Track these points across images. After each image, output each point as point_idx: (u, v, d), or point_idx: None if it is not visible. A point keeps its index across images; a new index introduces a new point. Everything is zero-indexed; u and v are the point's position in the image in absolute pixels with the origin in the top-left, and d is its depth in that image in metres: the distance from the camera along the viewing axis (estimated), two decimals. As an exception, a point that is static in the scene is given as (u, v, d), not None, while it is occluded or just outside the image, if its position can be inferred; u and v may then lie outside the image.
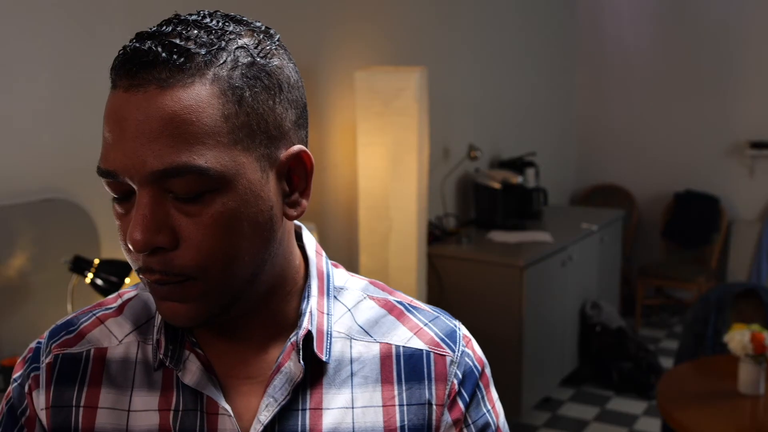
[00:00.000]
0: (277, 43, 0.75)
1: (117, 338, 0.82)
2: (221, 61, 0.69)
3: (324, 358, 0.78)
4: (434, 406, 0.80)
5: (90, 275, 2.29)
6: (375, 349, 0.81)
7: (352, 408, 0.78)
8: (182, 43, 0.68)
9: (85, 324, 0.84)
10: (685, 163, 5.53)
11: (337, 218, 3.60)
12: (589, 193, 5.82)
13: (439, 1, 4.26)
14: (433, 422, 0.80)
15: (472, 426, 0.82)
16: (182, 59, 0.68)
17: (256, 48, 0.72)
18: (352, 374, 0.79)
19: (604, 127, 5.85)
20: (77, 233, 2.46)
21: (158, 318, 0.79)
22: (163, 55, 0.67)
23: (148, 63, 0.67)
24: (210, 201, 0.69)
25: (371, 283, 0.88)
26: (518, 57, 5.06)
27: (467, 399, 0.82)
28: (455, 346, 0.83)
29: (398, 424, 0.79)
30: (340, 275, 0.87)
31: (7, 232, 2.31)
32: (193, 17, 0.71)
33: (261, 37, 0.73)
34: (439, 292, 3.90)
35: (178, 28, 0.70)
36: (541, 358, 3.97)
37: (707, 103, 5.42)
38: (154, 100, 0.67)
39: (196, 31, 0.70)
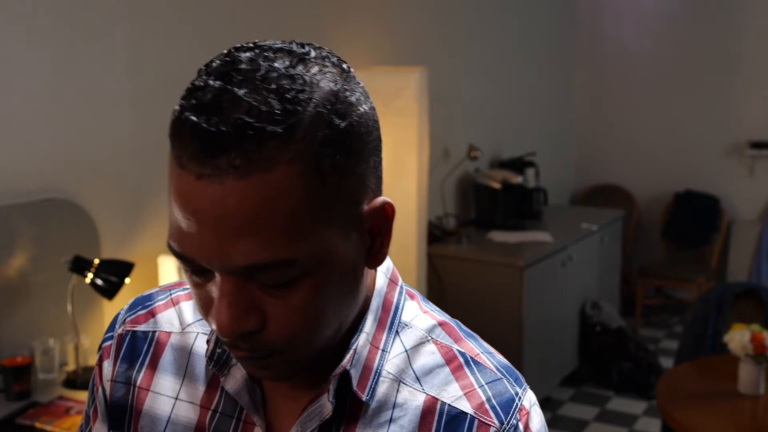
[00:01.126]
0: (354, 82, 0.67)
1: (181, 325, 0.82)
2: (299, 136, 0.61)
3: (364, 398, 0.73)
4: None
5: (90, 275, 2.29)
6: (420, 400, 0.74)
7: None
8: (254, 120, 0.59)
9: (159, 303, 0.84)
10: (685, 163, 5.53)
11: (337, 218, 3.60)
12: (589, 193, 5.82)
13: (439, 1, 4.26)
14: None
15: None
16: (259, 143, 0.60)
17: (333, 106, 0.63)
18: (390, 420, 0.74)
19: (604, 127, 5.85)
20: (77, 233, 2.46)
21: None
22: (237, 138, 0.59)
23: (219, 150, 0.59)
24: (299, 284, 0.65)
25: (441, 324, 0.79)
26: (518, 57, 5.06)
27: None
28: (505, 417, 0.74)
29: None
30: (410, 309, 0.79)
31: (7, 232, 2.31)
32: (260, 68, 0.62)
33: (338, 86, 0.65)
34: (439, 292, 3.89)
35: (244, 92, 0.60)
36: (541, 358, 3.97)
37: (707, 103, 5.42)
38: (233, 193, 0.60)
39: (266, 95, 0.60)
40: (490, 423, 0.73)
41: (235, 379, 0.76)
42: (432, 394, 0.74)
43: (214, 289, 0.65)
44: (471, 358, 0.77)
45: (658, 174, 5.62)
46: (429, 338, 0.77)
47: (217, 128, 0.59)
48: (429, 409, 0.74)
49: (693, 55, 5.44)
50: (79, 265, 2.30)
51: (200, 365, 0.79)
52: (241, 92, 0.61)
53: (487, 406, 0.74)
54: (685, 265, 5.33)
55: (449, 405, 0.74)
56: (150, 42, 2.68)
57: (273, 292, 0.65)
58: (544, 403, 4.19)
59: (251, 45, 0.66)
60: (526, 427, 0.74)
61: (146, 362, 0.81)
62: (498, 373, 0.76)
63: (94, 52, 2.51)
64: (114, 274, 2.31)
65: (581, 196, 5.85)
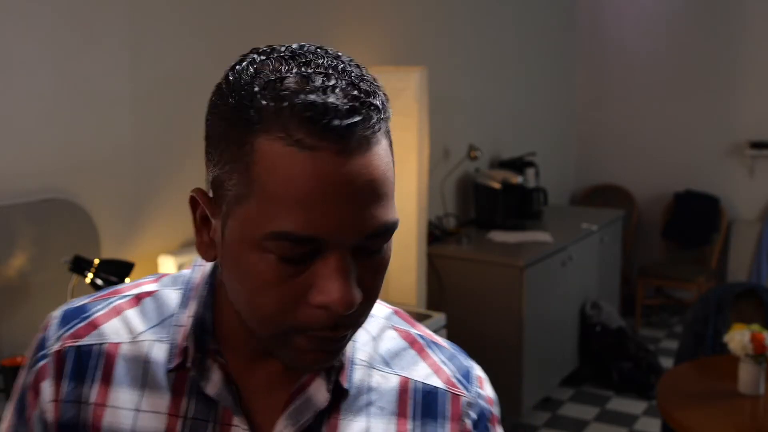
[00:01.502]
0: None
1: (131, 334, 0.79)
2: (385, 114, 0.69)
3: (346, 386, 0.77)
4: None
5: (90, 275, 2.29)
6: (393, 382, 0.81)
7: None
8: (366, 98, 0.66)
9: (99, 313, 0.80)
10: (685, 163, 5.53)
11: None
12: (589, 193, 5.82)
13: (439, 2, 4.26)
14: None
15: None
16: (377, 117, 0.67)
17: (383, 89, 0.72)
18: (369, 403, 0.79)
19: (604, 127, 5.85)
20: (77, 233, 2.46)
21: (185, 321, 0.78)
22: (363, 114, 0.65)
23: (353, 125, 0.65)
24: (383, 251, 0.71)
25: (395, 312, 0.88)
26: (518, 57, 5.06)
27: None
28: (470, 387, 0.84)
29: None
30: None
31: (7, 232, 2.31)
32: (323, 58, 0.68)
33: (370, 75, 0.72)
34: (439, 292, 3.89)
35: (340, 75, 0.67)
36: (541, 358, 3.97)
37: (707, 103, 5.42)
38: (367, 163, 0.66)
39: (356, 78, 0.67)
40: (460, 394, 0.83)
41: (214, 382, 0.75)
42: (404, 375, 0.82)
43: (319, 270, 0.67)
44: (429, 339, 0.86)
45: (658, 174, 5.62)
46: (390, 325, 0.85)
47: (347, 106, 0.64)
48: (404, 388, 0.81)
49: (693, 55, 5.44)
50: (79, 265, 2.30)
51: (160, 374, 0.77)
52: (338, 75, 0.66)
53: (454, 380, 0.84)
54: (685, 265, 5.33)
55: (422, 383, 0.82)
56: (150, 42, 2.68)
57: (367, 261, 0.69)
58: (544, 403, 4.19)
59: (278, 46, 0.70)
60: (486, 392, 0.86)
61: (97, 377, 0.77)
62: (451, 350, 0.87)
63: (94, 52, 2.51)
64: (114, 274, 2.31)
65: (581, 196, 5.85)
